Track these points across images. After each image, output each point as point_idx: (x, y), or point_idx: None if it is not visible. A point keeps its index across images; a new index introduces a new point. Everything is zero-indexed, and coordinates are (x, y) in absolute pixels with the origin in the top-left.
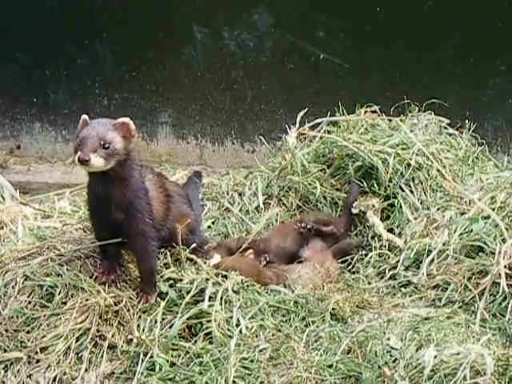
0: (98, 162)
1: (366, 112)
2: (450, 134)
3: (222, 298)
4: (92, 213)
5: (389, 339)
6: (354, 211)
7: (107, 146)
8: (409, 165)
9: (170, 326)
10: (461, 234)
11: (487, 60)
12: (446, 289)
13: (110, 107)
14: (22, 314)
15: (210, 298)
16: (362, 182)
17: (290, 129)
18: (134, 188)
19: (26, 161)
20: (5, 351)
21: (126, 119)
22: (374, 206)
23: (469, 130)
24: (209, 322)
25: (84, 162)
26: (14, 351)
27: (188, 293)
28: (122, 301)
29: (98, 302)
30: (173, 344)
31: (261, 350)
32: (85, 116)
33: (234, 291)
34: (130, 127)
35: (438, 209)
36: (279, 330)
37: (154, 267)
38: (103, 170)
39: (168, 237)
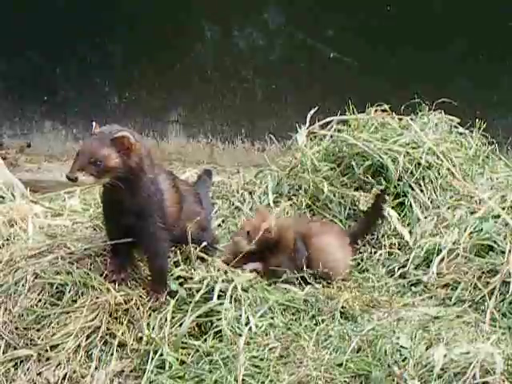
0: (86, 179)
1: (376, 111)
2: (461, 133)
3: (231, 297)
4: (105, 214)
5: (398, 338)
6: (362, 208)
7: (98, 163)
8: (419, 164)
9: (180, 325)
10: (471, 232)
11: (498, 59)
12: (456, 288)
13: (120, 106)
14: (32, 311)
15: (220, 296)
16: (373, 181)
17: (300, 127)
18: (144, 194)
19: (36, 159)
20: (15, 349)
21: (124, 133)
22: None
23: (479, 129)
24: (219, 320)
25: (70, 180)
26: (24, 349)
27: (198, 291)
28: (132, 299)
29: (108, 301)
30: (183, 342)
31: (270, 349)
32: (95, 124)
33: (244, 289)
34: (127, 142)
35: (448, 208)
36: (289, 329)
37: (164, 267)
38: (107, 183)
39: (180, 236)
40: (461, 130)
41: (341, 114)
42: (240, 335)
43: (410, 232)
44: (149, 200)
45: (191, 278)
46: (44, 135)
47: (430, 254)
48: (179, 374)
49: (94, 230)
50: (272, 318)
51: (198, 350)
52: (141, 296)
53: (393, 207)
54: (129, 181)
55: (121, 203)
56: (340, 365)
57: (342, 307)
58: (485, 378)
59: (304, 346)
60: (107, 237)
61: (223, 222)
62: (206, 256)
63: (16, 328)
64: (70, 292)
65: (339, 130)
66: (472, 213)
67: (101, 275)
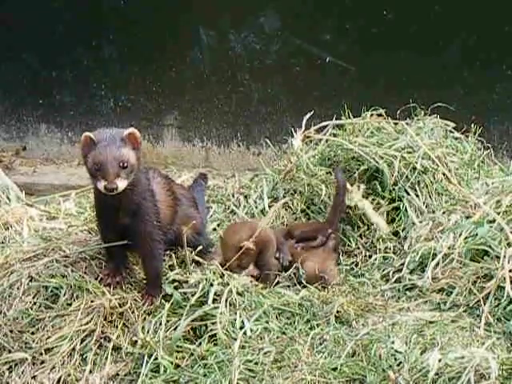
0: (123, 184)
1: (371, 115)
2: (456, 138)
3: (226, 301)
4: (99, 216)
5: (393, 342)
6: (350, 203)
7: (126, 165)
8: (414, 168)
9: (175, 328)
10: (466, 237)
11: (493, 64)
12: (451, 292)
13: (116, 109)
14: (27, 314)
15: (215, 300)
16: (368, 185)
17: (295, 132)
18: (140, 192)
19: (31, 162)
20: (9, 352)
21: (132, 129)
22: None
23: (474, 133)
24: (213, 324)
25: (112, 191)
26: (18, 352)
27: (193, 295)
28: (126, 302)
29: (102, 304)
30: (177, 346)
31: (265, 353)
32: (87, 133)
33: (239, 293)
34: (136, 136)
35: (444, 212)
36: (284, 333)
37: (159, 270)
38: None
39: (174, 239)
40: (456, 134)
41: (336, 119)
42: (235, 339)
43: (405, 237)
44: (144, 198)
45: (186, 282)
46: (39, 138)
47: (425, 259)
48: (174, 377)
49: (89, 233)
50: (267, 322)
51: (192, 354)
52: (136, 299)
53: (388, 212)
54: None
55: (119, 202)
56: (335, 369)
57: (337, 311)
58: (479, 382)
59: (299, 350)
60: (101, 240)
61: (218, 225)
62: (201, 260)
63: (11, 331)
64: (64, 295)
65: (335, 135)
66: (467, 217)
67: (96, 278)
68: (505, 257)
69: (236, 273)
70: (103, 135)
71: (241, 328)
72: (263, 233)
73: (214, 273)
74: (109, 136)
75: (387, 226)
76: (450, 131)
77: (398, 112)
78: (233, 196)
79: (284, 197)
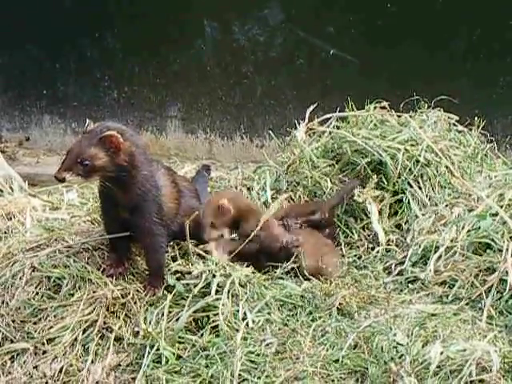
0: (73, 179)
1: (375, 108)
2: (459, 131)
3: (228, 292)
4: (102, 208)
5: (395, 335)
6: (359, 199)
7: (85, 163)
8: (417, 161)
9: (177, 319)
10: (468, 230)
11: (497, 57)
12: (453, 285)
13: (119, 100)
14: (30, 305)
15: (217, 291)
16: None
17: (299, 124)
18: (139, 191)
19: (35, 153)
20: (12, 342)
21: (112, 132)
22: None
23: (478, 127)
24: (215, 315)
25: (58, 180)
26: (20, 342)
27: (195, 286)
28: (129, 293)
29: (105, 294)
30: (179, 337)
31: (267, 344)
32: (89, 122)
33: (241, 285)
34: (115, 140)
35: (446, 205)
36: (286, 325)
37: (161, 262)
38: (106, 177)
39: (178, 231)
40: (460, 127)
41: (340, 111)
42: (237, 330)
43: (408, 229)
44: (144, 196)
45: (189, 273)
46: (43, 129)
47: (427, 252)
48: (175, 368)
49: (92, 223)
50: (269, 314)
51: (194, 345)
52: (138, 290)
53: (391, 204)
54: (120, 178)
55: (115, 199)
56: (336, 361)
57: (339, 304)
58: (481, 375)
59: (301, 341)
60: (105, 231)
61: None
62: (202, 252)
63: (13, 321)
64: (67, 285)
65: (338, 127)
66: (470, 211)
67: (98, 269)
68: (507, 250)
69: (210, 237)
70: (93, 128)
71: (243, 319)
72: (244, 202)
73: (217, 264)
74: (94, 131)
75: (385, 236)
76: (454, 124)
77: (402, 105)
78: (236, 188)
79: (287, 189)
